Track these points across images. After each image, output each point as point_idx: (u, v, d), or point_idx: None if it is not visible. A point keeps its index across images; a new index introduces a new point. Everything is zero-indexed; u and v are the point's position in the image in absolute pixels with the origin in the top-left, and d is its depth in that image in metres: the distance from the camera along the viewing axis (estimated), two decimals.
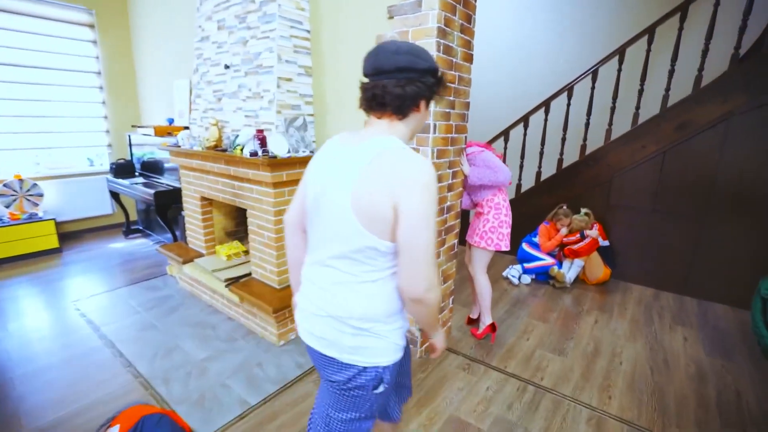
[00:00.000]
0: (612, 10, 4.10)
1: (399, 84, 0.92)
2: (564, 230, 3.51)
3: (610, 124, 3.53)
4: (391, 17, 2.02)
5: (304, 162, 2.35)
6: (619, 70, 3.42)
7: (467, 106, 2.25)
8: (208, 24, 2.78)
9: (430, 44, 1.87)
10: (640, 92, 3.35)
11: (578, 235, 3.45)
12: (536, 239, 3.67)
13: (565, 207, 3.55)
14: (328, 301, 0.97)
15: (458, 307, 3.08)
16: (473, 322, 2.80)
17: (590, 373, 2.30)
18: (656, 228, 3.41)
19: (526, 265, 3.54)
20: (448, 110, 2.07)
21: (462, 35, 2.06)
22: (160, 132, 3.85)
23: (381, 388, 1.01)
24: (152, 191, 3.67)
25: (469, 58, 2.16)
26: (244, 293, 2.51)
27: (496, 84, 4.93)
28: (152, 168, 4.40)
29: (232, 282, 2.70)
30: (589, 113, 3.65)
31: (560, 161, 3.90)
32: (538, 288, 3.47)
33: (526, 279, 3.52)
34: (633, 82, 3.66)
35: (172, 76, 4.14)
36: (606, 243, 3.52)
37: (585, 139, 3.71)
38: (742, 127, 3.00)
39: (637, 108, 3.37)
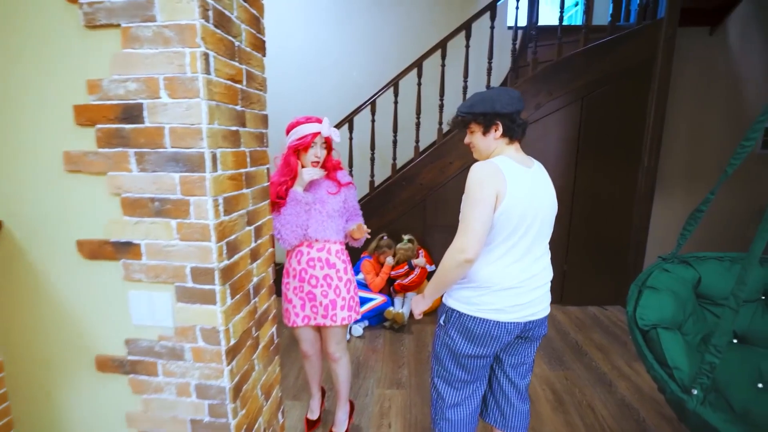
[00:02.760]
0: (402, 23, 3.99)
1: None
2: (390, 260, 3.08)
3: (417, 140, 3.32)
4: None
5: None
6: (419, 84, 3.23)
7: (264, 121, 1.42)
8: None
9: (188, 7, 0.96)
10: (441, 107, 3.24)
11: (406, 266, 3.08)
12: (360, 277, 3.12)
13: (386, 237, 3.13)
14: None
15: (288, 402, 2.19)
16: (314, 426, 1.97)
17: None
18: None
19: None
20: (234, 128, 1.18)
21: (245, 4, 1.21)
22: None
23: None
24: None
25: (259, 46, 1.33)
26: None
27: (287, 97, 4.19)
28: None
29: None
30: (395, 129, 3.35)
31: (371, 183, 3.49)
32: (375, 337, 2.92)
33: (358, 330, 2.92)
34: (434, 97, 3.55)
35: None
36: (433, 268, 3.28)
37: (394, 158, 3.40)
38: (523, 140, 3.21)
39: (440, 123, 3.25)
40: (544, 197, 1.33)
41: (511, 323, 1.31)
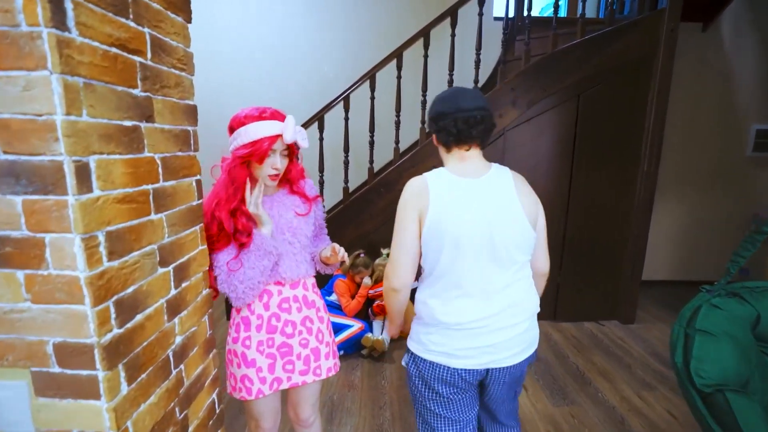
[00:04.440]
0: (379, 9, 3.60)
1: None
2: (367, 280, 2.69)
3: (397, 141, 2.95)
4: None
5: None
6: (399, 77, 2.86)
7: (188, 115, 1.00)
8: None
9: None
10: (423, 103, 2.88)
11: None
12: (332, 298, 2.72)
13: (362, 254, 2.73)
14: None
15: None
16: None
17: None
18: None
19: None
20: (128, 122, 0.77)
21: None
22: None
23: None
24: None
25: (178, 4, 0.92)
26: None
27: (247, 93, 3.71)
28: None
29: None
30: (372, 129, 2.96)
31: (345, 190, 3.09)
32: (351, 368, 2.52)
33: None
34: (416, 92, 3.18)
35: None
36: (416, 284, 2.91)
37: (371, 161, 3.01)
38: (515, 141, 2.92)
39: (423, 121, 2.89)
40: (500, 213, 1.07)
41: (464, 370, 1.10)
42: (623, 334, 3.01)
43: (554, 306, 3.17)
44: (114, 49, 0.71)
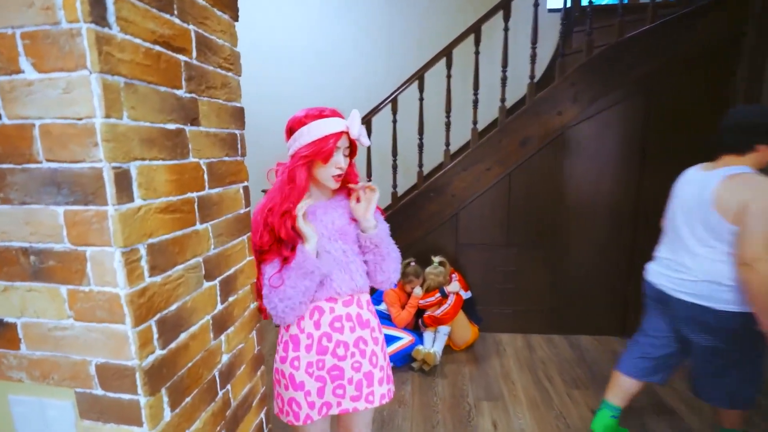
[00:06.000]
0: (426, 10, 3.51)
1: None
2: (418, 290, 2.57)
3: (447, 143, 2.82)
4: None
5: None
6: (449, 76, 2.73)
7: (236, 117, 0.95)
8: None
9: None
10: (475, 103, 2.73)
11: (438, 294, 2.56)
12: (382, 308, 2.62)
13: (413, 263, 2.62)
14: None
15: None
16: None
17: None
18: (511, 263, 2.86)
19: None
20: (172, 126, 0.72)
21: None
22: None
23: None
24: None
25: (224, 1, 0.87)
26: None
27: (294, 100, 3.74)
28: None
29: None
30: (421, 131, 2.85)
31: (394, 194, 3.00)
32: (400, 382, 2.40)
33: None
34: (466, 91, 3.03)
35: None
36: (469, 294, 2.76)
37: (420, 165, 2.90)
38: (575, 141, 2.68)
39: (475, 122, 2.74)
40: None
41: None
42: None
43: (623, 321, 2.87)
44: (157, 47, 0.66)
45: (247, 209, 0.99)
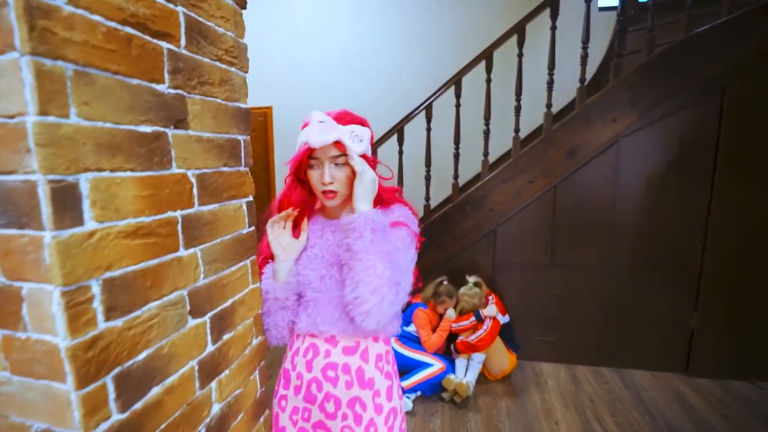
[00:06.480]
0: (463, 13, 3.34)
1: None
2: (451, 313, 2.35)
3: (486, 153, 2.60)
4: None
5: None
6: (488, 81, 2.52)
7: (240, 120, 0.81)
8: None
9: None
10: (517, 109, 2.50)
11: (472, 318, 2.33)
12: (411, 329, 2.42)
13: (446, 282, 2.40)
14: None
15: None
16: None
17: None
18: (555, 285, 2.59)
19: (404, 383, 2.20)
20: (147, 128, 0.57)
21: None
22: None
23: None
24: None
25: None
26: None
27: (327, 107, 3.66)
28: None
29: None
30: (457, 140, 2.66)
31: (427, 207, 2.81)
32: (430, 413, 2.18)
33: (408, 405, 2.20)
34: (508, 96, 2.81)
35: None
36: (506, 319, 2.50)
37: (456, 176, 2.70)
38: (632, 151, 2.39)
39: (517, 130, 2.51)
40: None
41: None
42: None
43: (686, 356, 2.51)
44: (127, 29, 0.52)
45: (251, 228, 0.84)
